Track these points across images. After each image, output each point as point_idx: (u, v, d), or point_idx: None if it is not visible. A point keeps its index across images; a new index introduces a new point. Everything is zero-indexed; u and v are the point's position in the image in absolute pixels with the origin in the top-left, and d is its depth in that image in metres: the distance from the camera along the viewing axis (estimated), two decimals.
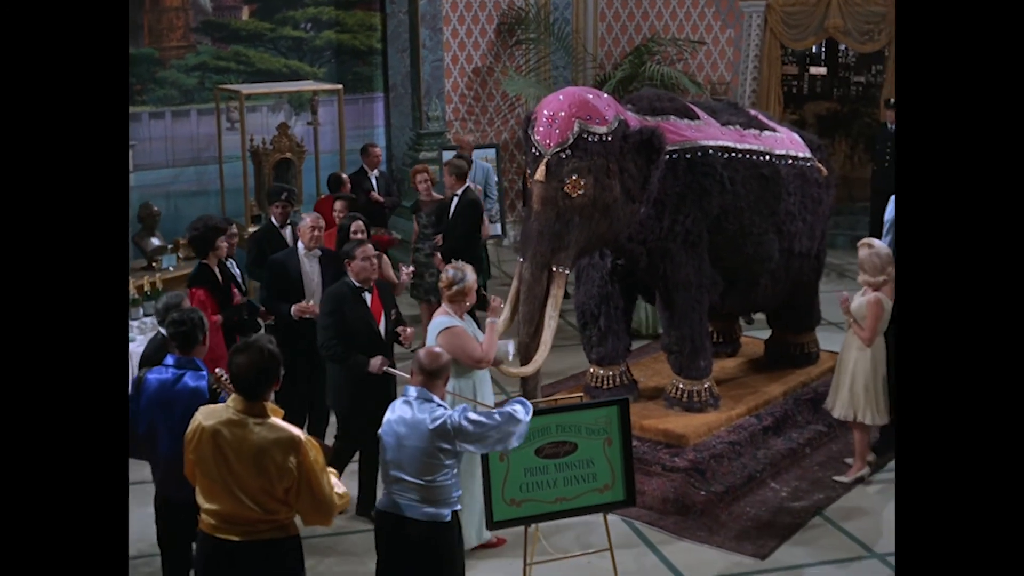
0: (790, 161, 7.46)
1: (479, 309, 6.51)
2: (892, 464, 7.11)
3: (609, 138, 6.29)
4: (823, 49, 15.30)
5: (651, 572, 5.99)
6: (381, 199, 10.07)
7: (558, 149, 6.23)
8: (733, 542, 6.24)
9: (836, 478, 7.01)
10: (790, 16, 13.07)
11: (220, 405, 4.28)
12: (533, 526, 5.40)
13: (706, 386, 7.20)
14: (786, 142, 7.58)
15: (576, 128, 6.21)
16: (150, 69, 11.20)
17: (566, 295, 7.07)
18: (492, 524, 5.29)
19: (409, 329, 6.52)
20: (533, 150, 6.38)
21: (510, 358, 6.19)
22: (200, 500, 4.25)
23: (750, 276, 7.31)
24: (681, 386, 7.18)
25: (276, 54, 12.09)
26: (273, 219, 7.94)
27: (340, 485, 4.31)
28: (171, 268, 9.32)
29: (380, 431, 4.68)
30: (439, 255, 8.92)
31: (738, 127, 7.32)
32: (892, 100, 11.52)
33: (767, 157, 7.27)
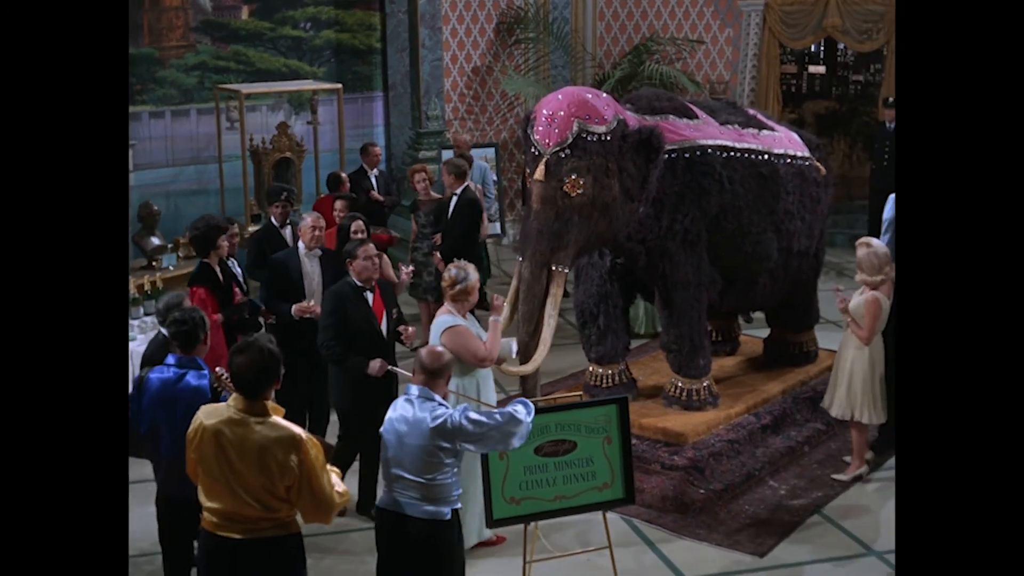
0: (789, 160, 7.48)
1: (479, 308, 6.53)
2: (890, 462, 7.13)
3: (608, 137, 6.30)
4: (822, 48, 15.32)
5: (650, 570, 6.01)
6: (381, 198, 10.09)
7: (557, 148, 6.24)
8: (732, 540, 6.25)
9: (834, 476, 7.03)
10: (789, 15, 13.08)
11: (221, 404, 4.30)
12: (533, 524, 5.42)
13: (705, 384, 7.22)
14: (784, 141, 7.59)
15: (575, 128, 6.23)
16: (150, 69, 11.21)
17: (565, 294, 7.08)
18: (492, 522, 5.31)
19: (411, 328, 6.54)
20: (532, 149, 6.40)
21: (513, 356, 6.21)
22: (202, 498, 4.27)
23: (749, 275, 7.33)
24: (680, 384, 7.20)
25: (276, 54, 12.10)
26: (273, 219, 7.95)
27: (340, 484, 4.33)
28: (171, 267, 9.32)
29: (381, 429, 4.70)
30: (438, 254, 8.94)
31: (737, 126, 7.34)
32: (890, 99, 11.55)
33: (766, 156, 7.29)
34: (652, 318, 9.47)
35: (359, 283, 6.32)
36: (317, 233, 7.11)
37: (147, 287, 8.07)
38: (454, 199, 9.00)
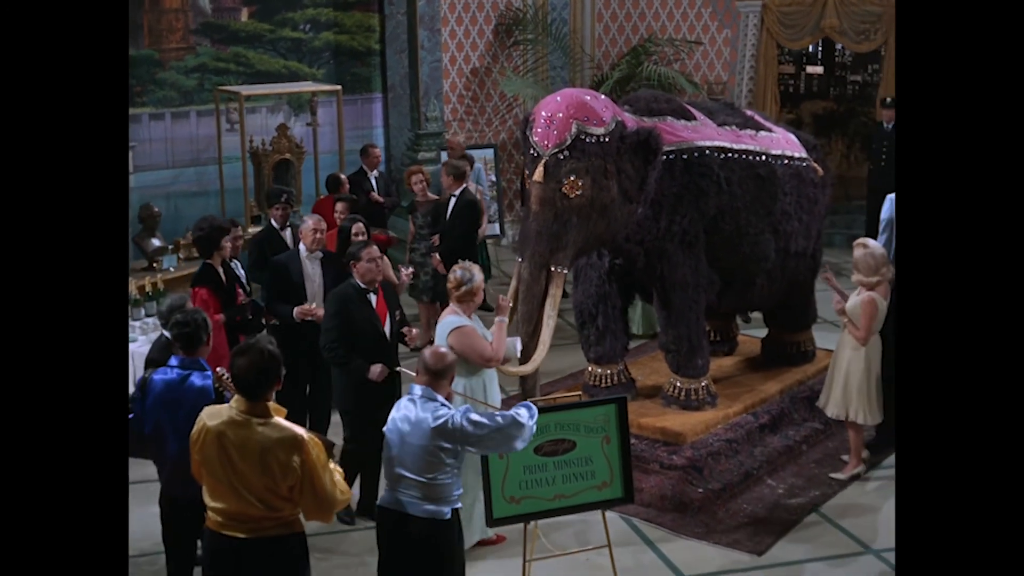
0: (786, 161, 7.51)
1: (481, 309, 6.55)
2: (888, 461, 7.16)
3: (606, 139, 6.33)
4: (819, 48, 15.31)
5: (649, 569, 6.03)
6: (381, 200, 10.11)
7: (556, 150, 6.27)
8: (730, 539, 6.28)
9: (832, 475, 7.06)
10: (786, 16, 13.11)
11: (224, 406, 4.32)
12: (532, 523, 5.45)
13: (703, 384, 7.25)
14: (782, 142, 7.62)
15: (574, 129, 6.26)
16: (150, 70, 11.22)
17: (564, 294, 7.10)
18: (492, 521, 5.33)
19: (415, 330, 6.57)
20: (531, 151, 6.43)
21: (517, 355, 6.24)
22: (206, 498, 4.30)
23: (747, 275, 7.36)
24: (679, 384, 7.23)
25: (275, 55, 12.11)
26: (273, 221, 7.97)
27: (342, 481, 4.35)
28: (171, 268, 9.34)
29: (385, 428, 4.73)
30: (436, 255, 8.96)
31: (734, 127, 7.36)
32: (888, 99, 11.57)
33: (763, 157, 7.32)
34: (648, 318, 9.50)
35: (363, 285, 6.33)
36: (318, 235, 7.12)
37: (148, 288, 8.09)
38: (453, 200, 9.03)
